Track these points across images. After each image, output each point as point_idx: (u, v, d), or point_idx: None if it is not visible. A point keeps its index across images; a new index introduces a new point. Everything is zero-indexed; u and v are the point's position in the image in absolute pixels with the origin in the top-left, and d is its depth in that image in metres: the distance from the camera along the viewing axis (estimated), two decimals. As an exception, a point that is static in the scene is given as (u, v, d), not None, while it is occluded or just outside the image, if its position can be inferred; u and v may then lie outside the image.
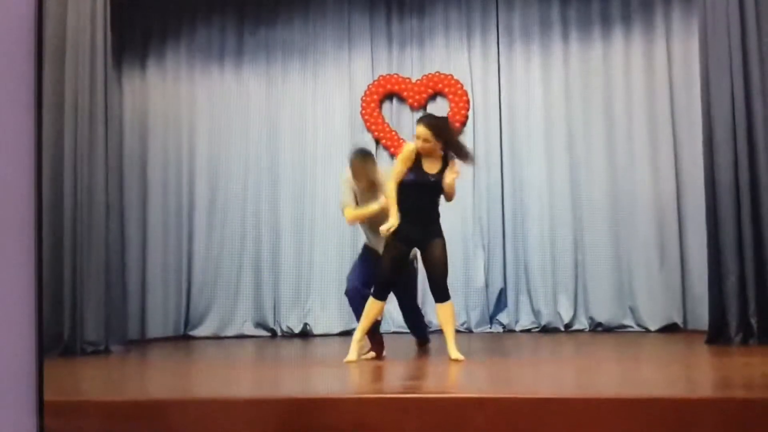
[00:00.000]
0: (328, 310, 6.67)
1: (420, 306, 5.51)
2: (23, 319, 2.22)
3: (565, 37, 6.69)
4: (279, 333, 6.74)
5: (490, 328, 6.56)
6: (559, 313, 6.43)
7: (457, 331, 6.29)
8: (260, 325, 6.80)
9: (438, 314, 4.51)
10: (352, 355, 4.38)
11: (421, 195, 4.39)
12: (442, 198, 4.45)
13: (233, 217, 6.90)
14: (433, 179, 4.38)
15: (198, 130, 6.99)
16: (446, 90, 6.79)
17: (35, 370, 2.21)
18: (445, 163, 4.41)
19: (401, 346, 5.29)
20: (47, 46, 5.27)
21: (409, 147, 4.41)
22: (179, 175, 6.95)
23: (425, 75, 6.85)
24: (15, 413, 2.19)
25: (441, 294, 4.40)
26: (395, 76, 6.91)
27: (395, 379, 3.98)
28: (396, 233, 4.33)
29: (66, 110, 5.28)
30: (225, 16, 7.06)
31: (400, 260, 4.43)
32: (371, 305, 4.41)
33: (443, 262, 4.39)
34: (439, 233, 4.42)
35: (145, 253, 6.77)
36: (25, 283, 2.22)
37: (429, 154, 4.38)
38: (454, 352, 4.33)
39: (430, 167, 4.41)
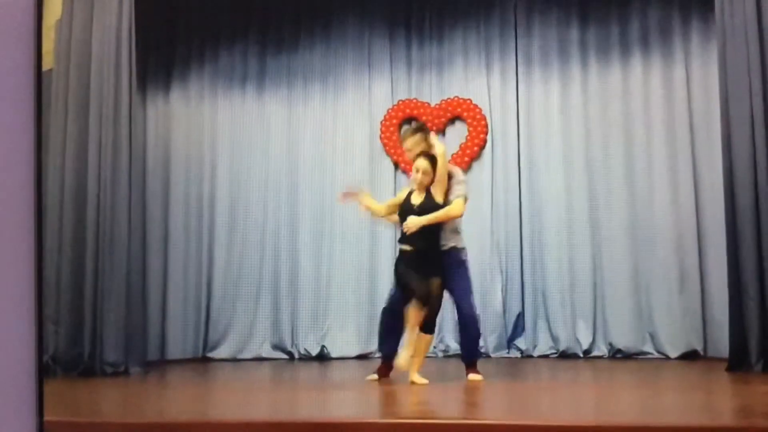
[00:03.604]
0: (345, 333, 6.68)
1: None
2: (23, 337, 2.24)
3: (584, 61, 6.71)
4: (296, 355, 6.75)
5: (508, 352, 6.52)
6: (577, 339, 6.39)
7: (479, 356, 6.37)
8: (278, 347, 6.82)
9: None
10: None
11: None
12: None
13: (252, 240, 6.95)
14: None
15: (220, 154, 7.07)
16: (465, 114, 6.83)
17: (35, 391, 2.23)
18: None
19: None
20: (72, 71, 5.38)
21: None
22: (200, 198, 7.01)
23: (444, 99, 6.90)
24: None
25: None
26: (414, 100, 6.97)
27: (413, 403, 3.97)
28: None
29: (90, 133, 5.36)
30: (247, 41, 7.16)
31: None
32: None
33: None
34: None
35: (166, 275, 6.82)
36: (25, 304, 2.25)
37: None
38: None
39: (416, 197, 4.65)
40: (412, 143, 4.74)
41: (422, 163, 4.59)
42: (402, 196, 4.78)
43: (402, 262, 4.58)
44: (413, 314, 4.44)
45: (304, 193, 6.96)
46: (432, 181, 4.59)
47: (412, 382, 4.45)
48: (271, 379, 5.49)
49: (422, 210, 4.54)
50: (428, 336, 4.59)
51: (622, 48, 6.62)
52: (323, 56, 7.09)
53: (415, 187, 4.63)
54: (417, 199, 4.61)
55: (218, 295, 6.90)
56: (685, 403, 3.76)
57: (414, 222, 4.49)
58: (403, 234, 4.56)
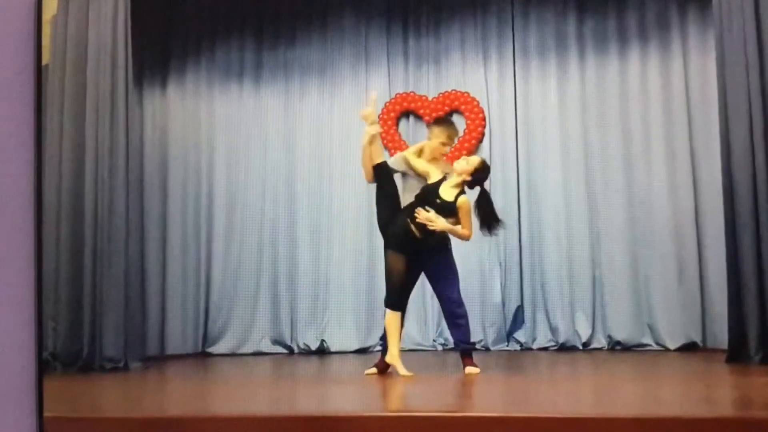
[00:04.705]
0: (344, 327, 6.68)
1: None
2: (23, 334, 2.24)
3: (581, 54, 6.70)
4: (296, 350, 6.76)
5: (507, 345, 6.53)
6: (577, 331, 6.40)
7: (475, 349, 6.38)
8: (277, 342, 6.82)
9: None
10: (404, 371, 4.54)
11: None
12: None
13: (251, 235, 6.94)
14: None
15: (217, 149, 7.05)
16: (463, 107, 6.82)
17: (35, 387, 2.23)
18: None
19: (417, 363, 5.28)
20: (68, 67, 5.36)
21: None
22: (198, 193, 7.00)
23: (442, 93, 6.89)
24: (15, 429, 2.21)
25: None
26: (412, 94, 6.95)
27: (413, 396, 3.97)
28: None
29: (87, 130, 5.35)
30: (244, 35, 7.13)
31: None
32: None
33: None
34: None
35: (165, 270, 6.81)
36: (25, 301, 2.24)
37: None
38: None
39: None
40: (447, 135, 4.83)
41: (476, 161, 4.72)
42: (424, 163, 4.81)
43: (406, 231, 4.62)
44: (393, 321, 4.56)
45: (302, 187, 6.95)
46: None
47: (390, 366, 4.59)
48: (270, 373, 5.49)
49: (445, 208, 4.56)
50: (396, 313, 4.60)
51: (620, 41, 6.61)
52: (320, 50, 7.07)
53: (450, 177, 4.69)
54: (447, 194, 4.61)
55: (217, 290, 6.89)
56: (684, 394, 3.76)
57: (440, 225, 4.54)
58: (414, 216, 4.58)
